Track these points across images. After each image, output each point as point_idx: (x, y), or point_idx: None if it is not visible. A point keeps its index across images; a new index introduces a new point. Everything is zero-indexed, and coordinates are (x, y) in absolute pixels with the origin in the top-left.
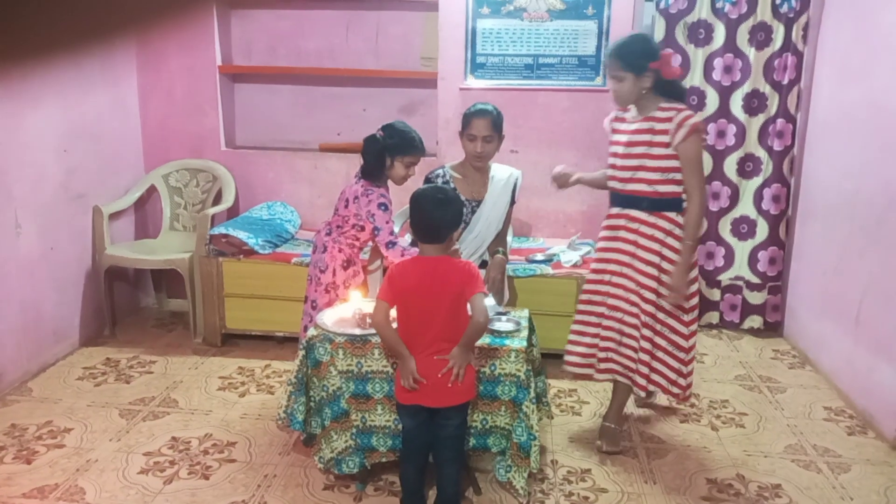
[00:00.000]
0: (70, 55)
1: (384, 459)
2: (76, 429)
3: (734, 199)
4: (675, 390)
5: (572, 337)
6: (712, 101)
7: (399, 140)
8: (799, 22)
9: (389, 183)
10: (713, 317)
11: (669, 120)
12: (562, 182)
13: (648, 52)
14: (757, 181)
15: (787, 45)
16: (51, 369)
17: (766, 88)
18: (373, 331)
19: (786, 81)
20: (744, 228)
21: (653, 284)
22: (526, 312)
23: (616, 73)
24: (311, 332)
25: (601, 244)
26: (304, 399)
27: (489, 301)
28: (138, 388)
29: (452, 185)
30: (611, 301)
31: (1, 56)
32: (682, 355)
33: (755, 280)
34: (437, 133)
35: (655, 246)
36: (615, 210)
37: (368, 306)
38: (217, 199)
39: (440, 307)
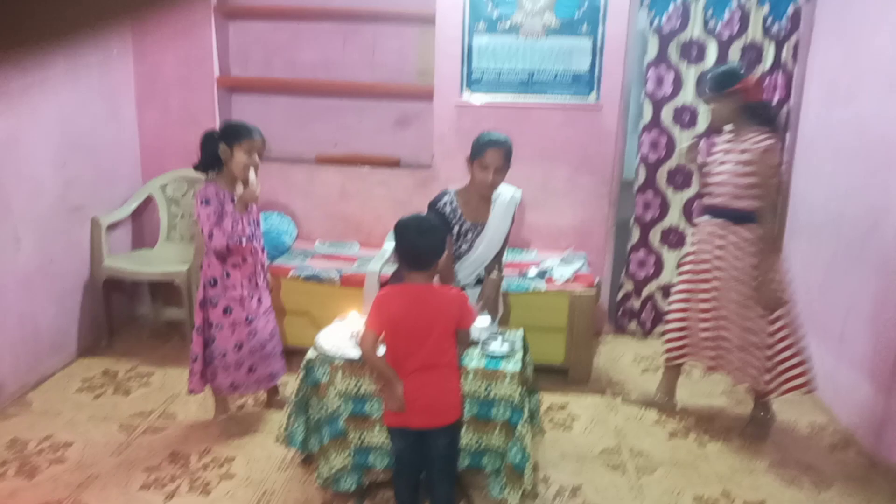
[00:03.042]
0: (67, 67)
1: (382, 477)
2: (77, 443)
3: None
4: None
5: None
6: (704, 118)
7: (233, 128)
8: (789, 42)
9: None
10: None
11: (752, 139)
12: (692, 154)
13: (733, 77)
14: None
15: (778, 63)
16: (49, 381)
17: None
18: None
19: (775, 100)
20: None
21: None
22: (520, 332)
23: (709, 97)
24: (310, 353)
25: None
26: (303, 419)
27: (484, 319)
28: (137, 401)
29: (459, 211)
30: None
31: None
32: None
33: None
34: (433, 146)
35: (738, 252)
36: (711, 219)
37: None
38: None
39: (428, 336)
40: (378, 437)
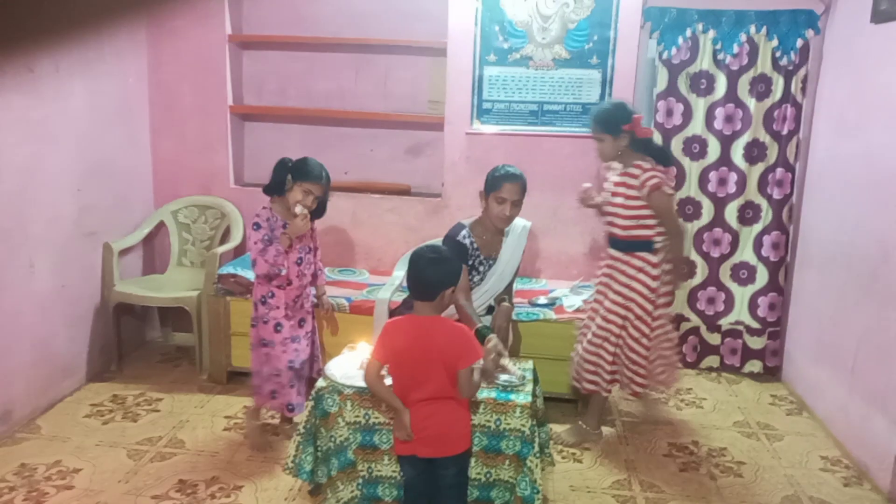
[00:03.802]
0: (86, 96)
1: None
2: (85, 469)
3: (734, 245)
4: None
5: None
6: (714, 149)
7: (302, 165)
8: (798, 74)
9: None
10: (714, 360)
11: (637, 177)
12: (586, 199)
13: (623, 116)
14: (757, 228)
15: (787, 96)
16: (59, 406)
17: (766, 138)
18: None
19: (785, 132)
20: (744, 274)
21: (620, 311)
22: (530, 364)
23: (597, 134)
24: (320, 383)
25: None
26: (311, 449)
27: (508, 376)
28: (145, 427)
29: (476, 246)
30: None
31: (24, 98)
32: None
33: (755, 325)
34: (444, 175)
35: (624, 279)
36: (609, 251)
37: None
38: (225, 236)
39: (432, 369)
40: (387, 468)
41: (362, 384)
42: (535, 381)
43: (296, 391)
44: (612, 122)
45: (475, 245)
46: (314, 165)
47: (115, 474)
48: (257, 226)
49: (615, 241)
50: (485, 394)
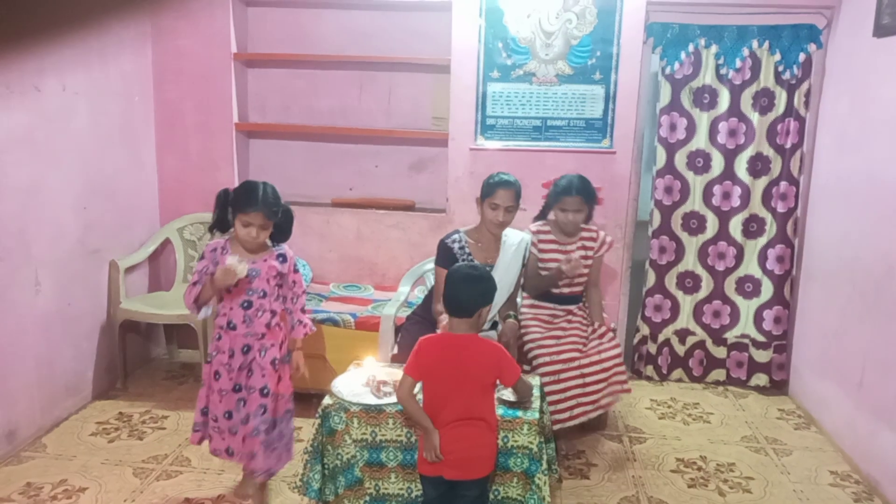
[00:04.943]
0: (91, 116)
1: None
2: (91, 488)
3: (739, 258)
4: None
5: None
6: (717, 163)
7: (239, 193)
8: (801, 89)
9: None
10: (720, 374)
11: (594, 240)
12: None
13: (595, 190)
14: (761, 241)
15: (790, 110)
16: (64, 424)
17: (770, 152)
18: (387, 400)
19: (788, 145)
20: (749, 287)
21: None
22: (537, 380)
23: (582, 206)
24: (327, 400)
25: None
26: (319, 467)
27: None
28: (151, 445)
29: (467, 249)
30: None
31: (29, 116)
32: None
33: (761, 338)
34: (447, 191)
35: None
36: (554, 306)
37: (382, 373)
38: None
39: (465, 388)
40: (394, 486)
41: (369, 401)
42: (542, 397)
43: (240, 437)
44: (594, 195)
45: (466, 250)
46: (251, 190)
47: (121, 493)
48: (202, 256)
49: (572, 299)
50: None
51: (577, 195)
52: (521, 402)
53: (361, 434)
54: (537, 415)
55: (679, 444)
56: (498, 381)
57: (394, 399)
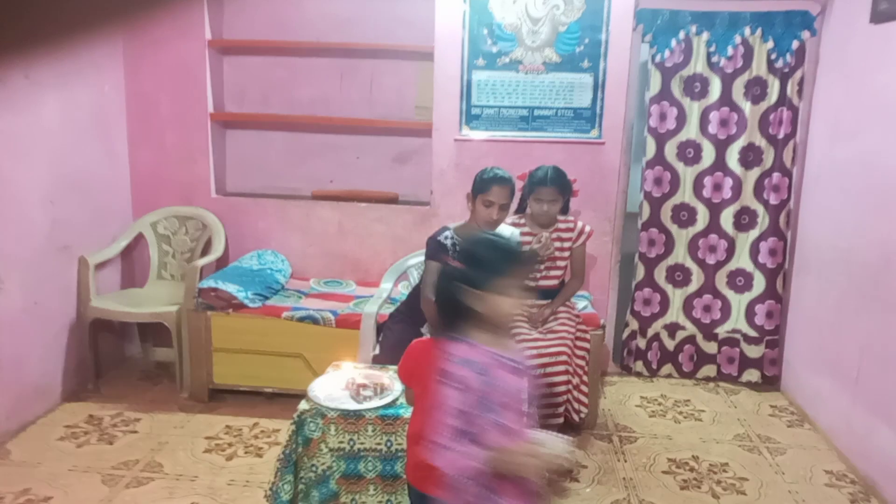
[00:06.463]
0: (60, 107)
1: None
2: (56, 497)
3: (730, 251)
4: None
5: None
6: (708, 153)
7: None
8: (794, 77)
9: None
10: (711, 370)
11: (571, 230)
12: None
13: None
14: (753, 234)
15: (783, 99)
16: (31, 428)
17: (762, 142)
18: (367, 405)
19: (781, 135)
20: (740, 281)
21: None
22: None
23: (557, 197)
24: (303, 405)
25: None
26: (290, 478)
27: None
28: (122, 450)
29: (458, 248)
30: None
31: None
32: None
33: (752, 333)
34: (432, 183)
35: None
36: (533, 301)
37: (362, 376)
38: (206, 247)
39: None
40: (372, 499)
41: (347, 406)
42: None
43: None
44: (568, 185)
45: (458, 248)
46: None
47: (89, 502)
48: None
49: (547, 292)
50: None
51: (551, 186)
52: None
53: (338, 442)
54: None
55: (670, 443)
56: None
57: (374, 404)
